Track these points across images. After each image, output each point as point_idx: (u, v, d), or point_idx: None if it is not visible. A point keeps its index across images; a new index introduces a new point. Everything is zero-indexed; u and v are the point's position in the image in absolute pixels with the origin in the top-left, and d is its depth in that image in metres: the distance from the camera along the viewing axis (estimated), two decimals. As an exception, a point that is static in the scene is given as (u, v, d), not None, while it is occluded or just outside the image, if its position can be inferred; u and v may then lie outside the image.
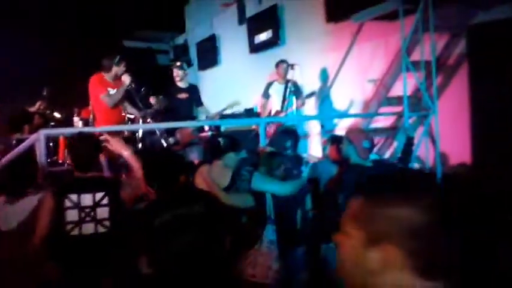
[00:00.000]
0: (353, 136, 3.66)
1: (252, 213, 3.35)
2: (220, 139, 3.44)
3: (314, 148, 6.80)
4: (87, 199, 2.72)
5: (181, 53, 11.24)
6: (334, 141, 4.60)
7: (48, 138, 6.36)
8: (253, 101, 7.53)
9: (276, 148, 4.03)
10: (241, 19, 8.95)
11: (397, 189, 0.98)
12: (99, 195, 2.75)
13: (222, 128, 6.27)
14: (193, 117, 6.14)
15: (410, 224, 0.91)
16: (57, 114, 6.84)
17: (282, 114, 6.03)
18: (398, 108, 5.11)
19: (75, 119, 6.30)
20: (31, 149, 3.63)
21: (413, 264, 0.92)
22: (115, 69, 5.27)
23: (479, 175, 3.98)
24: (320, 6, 6.75)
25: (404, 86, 4.46)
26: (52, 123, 6.65)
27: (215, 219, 2.65)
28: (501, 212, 3.74)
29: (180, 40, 11.68)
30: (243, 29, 8.81)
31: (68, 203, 2.69)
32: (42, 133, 3.53)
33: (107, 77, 5.27)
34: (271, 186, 3.32)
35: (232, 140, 3.51)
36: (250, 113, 7.29)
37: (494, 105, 3.82)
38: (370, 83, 5.98)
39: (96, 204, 2.73)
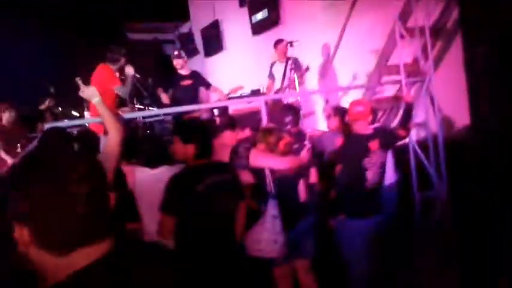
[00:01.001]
0: (354, 108, 3.72)
1: (253, 189, 3.44)
2: (216, 118, 3.52)
3: (320, 124, 6.85)
4: None
5: (187, 41, 11.28)
6: (337, 112, 4.66)
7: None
8: (259, 82, 7.59)
9: (276, 124, 4.10)
10: (242, 1, 8.96)
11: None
12: None
13: (230, 111, 6.35)
14: (198, 103, 6.25)
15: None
16: (75, 113, 6.98)
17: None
18: (399, 77, 5.12)
19: (86, 113, 6.42)
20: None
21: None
22: (122, 61, 5.31)
23: (479, 138, 4.00)
24: (318, -18, 6.75)
25: (400, 53, 4.48)
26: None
27: (239, 189, 2.86)
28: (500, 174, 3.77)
29: (184, 28, 11.71)
30: (244, 11, 8.82)
31: None
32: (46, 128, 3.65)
33: (113, 68, 5.33)
34: (269, 162, 3.39)
35: (229, 118, 3.58)
36: (256, 94, 7.35)
37: (487, 68, 3.82)
38: (371, 54, 5.98)
39: None
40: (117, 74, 5.37)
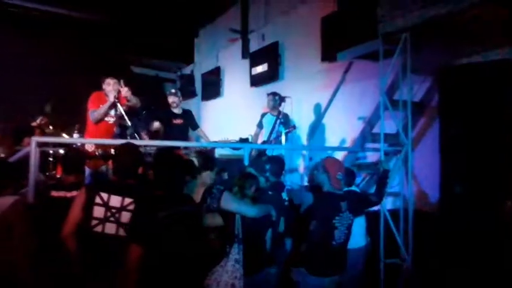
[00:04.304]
0: (329, 166, 3.81)
1: (220, 230, 3.51)
2: (195, 158, 3.61)
3: (302, 181, 7.00)
4: (115, 200, 2.91)
5: (187, 82, 11.62)
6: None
7: (48, 154, 6.63)
8: (249, 131, 7.78)
9: (256, 171, 4.20)
10: (245, 54, 9.34)
11: None
12: (127, 200, 2.92)
13: (216, 155, 6.47)
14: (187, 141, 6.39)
15: None
16: (65, 135, 7.08)
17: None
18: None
19: (75, 135, 6.54)
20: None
21: None
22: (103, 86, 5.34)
23: (447, 212, 4.14)
24: (317, 46, 7.08)
25: (382, 122, 4.69)
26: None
27: (201, 222, 2.99)
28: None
29: (187, 70, 12.09)
30: (246, 63, 9.18)
31: (98, 200, 2.89)
32: (34, 140, 3.77)
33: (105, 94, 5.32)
34: (238, 207, 3.47)
35: (207, 158, 3.68)
36: (244, 142, 7.51)
37: (461, 145, 4.02)
38: (358, 120, 6.22)
39: (122, 208, 2.90)
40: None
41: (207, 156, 3.80)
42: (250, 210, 3.48)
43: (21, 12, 9.22)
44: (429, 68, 5.06)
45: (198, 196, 3.37)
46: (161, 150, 4.41)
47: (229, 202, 3.39)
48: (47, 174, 6.56)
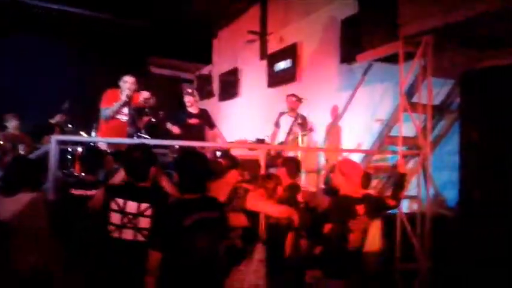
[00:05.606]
0: (346, 168, 3.77)
1: (244, 230, 3.50)
2: (221, 158, 3.64)
3: (318, 182, 6.95)
4: (131, 206, 2.84)
5: (205, 83, 11.70)
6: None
7: (66, 152, 6.71)
8: (266, 132, 7.77)
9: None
10: (263, 55, 9.36)
11: None
12: (143, 205, 2.85)
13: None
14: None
15: None
16: (82, 133, 7.15)
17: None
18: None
19: (93, 134, 6.60)
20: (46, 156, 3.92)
21: None
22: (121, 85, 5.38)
23: (465, 218, 4.09)
24: (336, 48, 7.05)
25: (401, 125, 4.66)
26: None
27: (226, 227, 2.93)
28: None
29: (205, 71, 12.16)
30: (264, 64, 9.19)
31: (113, 206, 2.84)
32: (54, 139, 3.82)
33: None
34: (264, 207, 3.47)
35: (232, 159, 3.70)
36: (260, 142, 7.51)
37: (481, 149, 3.95)
38: (377, 122, 6.16)
39: (139, 214, 2.84)
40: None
41: (232, 156, 3.82)
42: (276, 211, 3.47)
43: (41, 13, 9.42)
44: (450, 70, 4.98)
45: (223, 196, 3.38)
46: (186, 151, 4.39)
47: (254, 202, 3.38)
48: (65, 171, 6.64)
